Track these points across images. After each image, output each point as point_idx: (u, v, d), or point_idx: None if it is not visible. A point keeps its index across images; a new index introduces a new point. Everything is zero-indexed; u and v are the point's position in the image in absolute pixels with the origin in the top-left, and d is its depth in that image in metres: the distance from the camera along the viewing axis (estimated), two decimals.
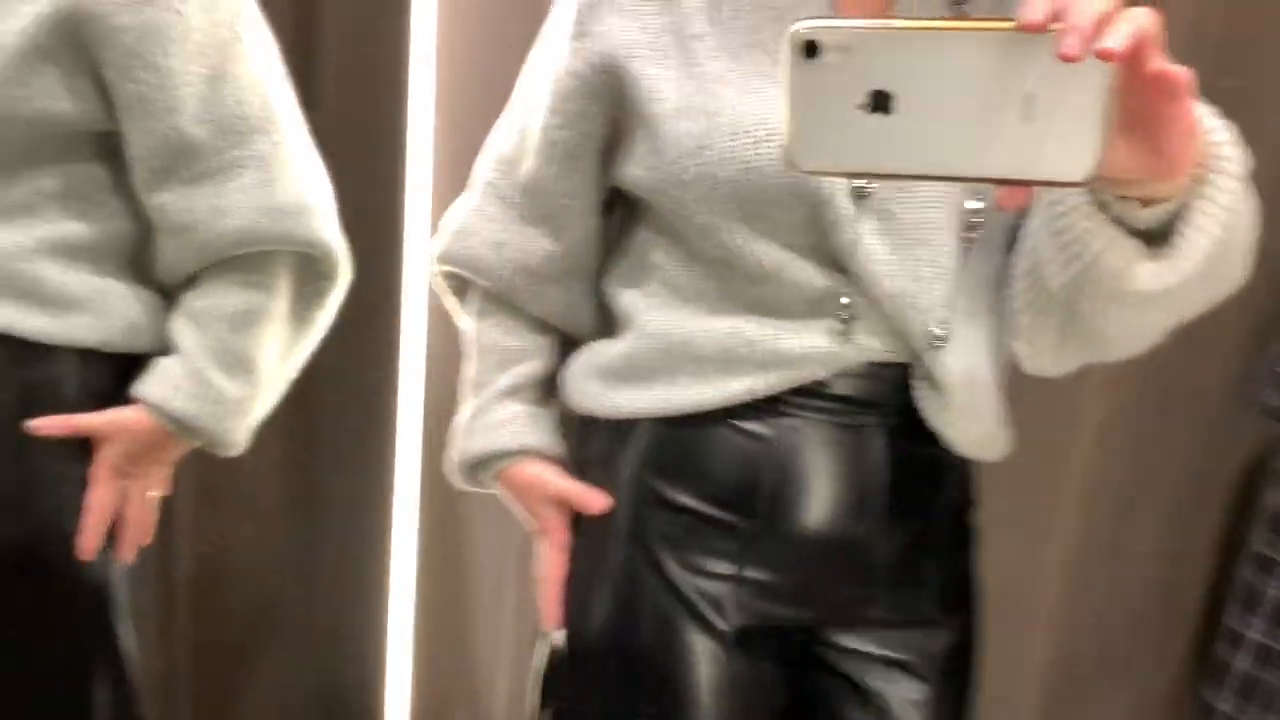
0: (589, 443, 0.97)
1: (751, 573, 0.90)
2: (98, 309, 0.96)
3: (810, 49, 0.56)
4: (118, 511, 0.98)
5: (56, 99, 0.90)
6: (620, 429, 0.93)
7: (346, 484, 1.53)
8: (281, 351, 1.03)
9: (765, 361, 0.87)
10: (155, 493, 1.03)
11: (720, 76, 0.84)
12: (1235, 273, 0.75)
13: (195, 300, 0.98)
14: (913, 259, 0.84)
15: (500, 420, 0.98)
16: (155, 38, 0.88)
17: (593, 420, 0.96)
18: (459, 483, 1.03)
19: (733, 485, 0.89)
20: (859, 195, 0.82)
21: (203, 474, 1.40)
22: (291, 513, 1.53)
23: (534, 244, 0.97)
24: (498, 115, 1.01)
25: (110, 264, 0.98)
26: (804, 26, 0.56)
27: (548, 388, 1.02)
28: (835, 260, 0.85)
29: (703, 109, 0.84)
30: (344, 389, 1.47)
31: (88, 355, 0.96)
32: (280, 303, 1.00)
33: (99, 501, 0.96)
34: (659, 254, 0.93)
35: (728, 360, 0.88)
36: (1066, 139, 0.54)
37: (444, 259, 1.02)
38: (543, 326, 1.01)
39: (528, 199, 0.97)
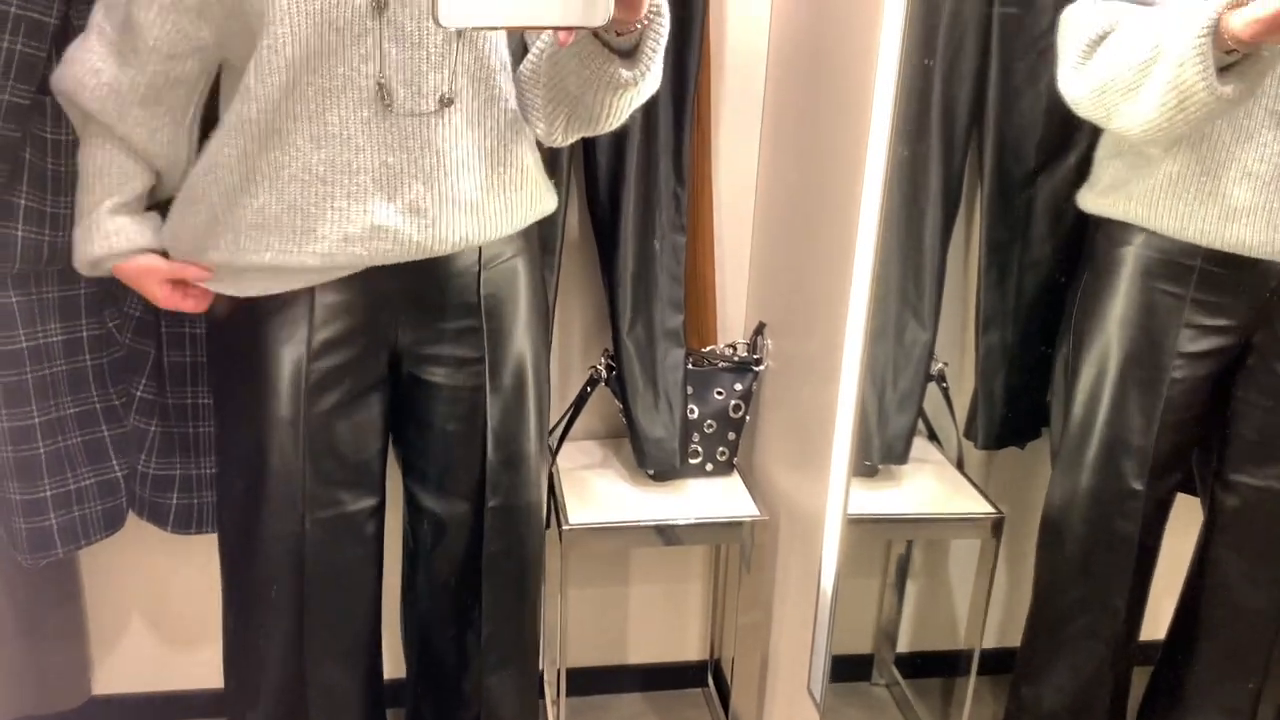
0: None
1: None
2: None
3: None
4: None
5: None
6: None
7: None
8: None
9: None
10: None
11: None
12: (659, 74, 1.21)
13: None
14: (415, 53, 1.18)
15: (111, 230, 1.27)
16: None
17: None
18: (85, 272, 1.31)
19: None
20: (378, 9, 1.14)
21: None
22: None
23: (123, 73, 1.20)
24: None
25: None
26: None
27: (143, 202, 1.32)
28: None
29: None
30: None
31: None
32: None
33: None
34: None
35: None
36: (593, 1, 0.92)
37: (53, 84, 1.27)
38: (134, 153, 1.28)
39: (122, 36, 1.18)
